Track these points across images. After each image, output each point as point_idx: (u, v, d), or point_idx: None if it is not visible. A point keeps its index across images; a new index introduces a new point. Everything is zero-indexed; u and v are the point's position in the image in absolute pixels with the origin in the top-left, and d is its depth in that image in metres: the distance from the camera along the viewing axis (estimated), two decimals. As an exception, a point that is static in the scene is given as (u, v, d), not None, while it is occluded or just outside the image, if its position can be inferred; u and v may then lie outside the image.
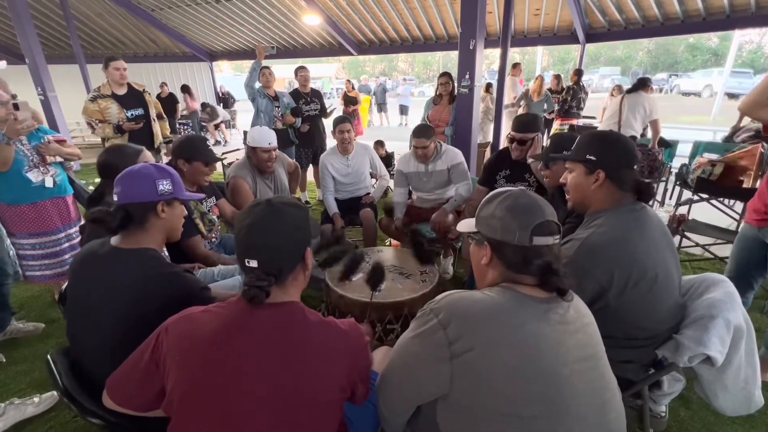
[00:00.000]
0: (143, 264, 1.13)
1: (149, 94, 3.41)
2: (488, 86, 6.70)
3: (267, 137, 2.47)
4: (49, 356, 1.14)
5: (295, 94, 4.36)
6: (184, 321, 0.88)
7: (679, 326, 1.24)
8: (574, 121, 6.39)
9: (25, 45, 4.85)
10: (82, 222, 2.48)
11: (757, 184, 1.90)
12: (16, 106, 2.03)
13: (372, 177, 3.36)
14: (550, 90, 6.69)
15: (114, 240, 1.17)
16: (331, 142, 3.39)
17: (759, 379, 1.23)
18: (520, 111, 6.34)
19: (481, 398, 0.79)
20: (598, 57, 33.21)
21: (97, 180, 1.75)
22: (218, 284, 1.72)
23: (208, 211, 2.19)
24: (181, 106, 8.95)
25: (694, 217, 3.20)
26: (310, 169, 4.69)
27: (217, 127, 9.74)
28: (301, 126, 4.29)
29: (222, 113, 9.70)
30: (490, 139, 6.39)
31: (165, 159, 3.22)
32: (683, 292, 1.34)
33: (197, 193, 2.03)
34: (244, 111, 10.64)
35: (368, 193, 3.19)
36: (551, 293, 0.86)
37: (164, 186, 1.19)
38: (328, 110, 4.77)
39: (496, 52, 6.64)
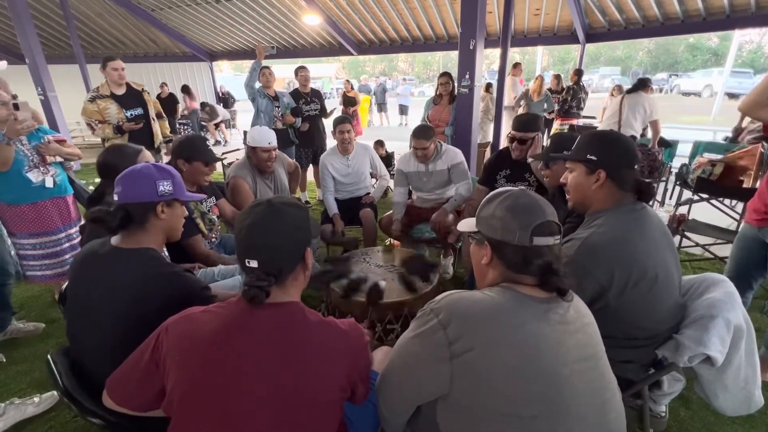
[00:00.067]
0: (143, 264, 1.13)
1: (148, 93, 3.40)
2: (488, 86, 6.70)
3: (267, 137, 2.47)
4: (49, 356, 1.14)
5: (295, 94, 4.36)
6: (185, 321, 0.88)
7: (679, 326, 1.24)
8: (574, 121, 6.39)
9: (25, 45, 4.85)
10: (83, 222, 2.48)
11: (757, 184, 1.90)
12: (16, 106, 2.03)
13: (372, 177, 3.37)
14: (550, 90, 6.69)
15: (114, 240, 1.17)
16: (331, 142, 3.39)
17: (759, 379, 1.23)
18: (521, 111, 6.34)
19: (481, 398, 0.79)
20: (598, 57, 33.21)
21: (97, 180, 1.75)
22: (218, 284, 1.72)
23: (208, 211, 2.19)
24: (181, 106, 8.96)
25: (694, 217, 3.21)
26: (310, 169, 4.69)
27: (217, 126, 9.74)
28: (301, 126, 4.29)
29: (222, 112, 9.70)
30: (490, 138, 6.39)
31: (165, 159, 3.22)
32: (683, 292, 1.34)
33: (197, 193, 2.03)
34: (244, 111, 10.65)
35: (368, 193, 3.19)
36: (551, 293, 0.86)
37: (165, 187, 1.19)
38: (329, 111, 4.77)
39: (496, 52, 6.64)
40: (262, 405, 0.80)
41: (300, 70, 4.40)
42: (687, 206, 3.32)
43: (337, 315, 1.92)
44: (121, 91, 3.20)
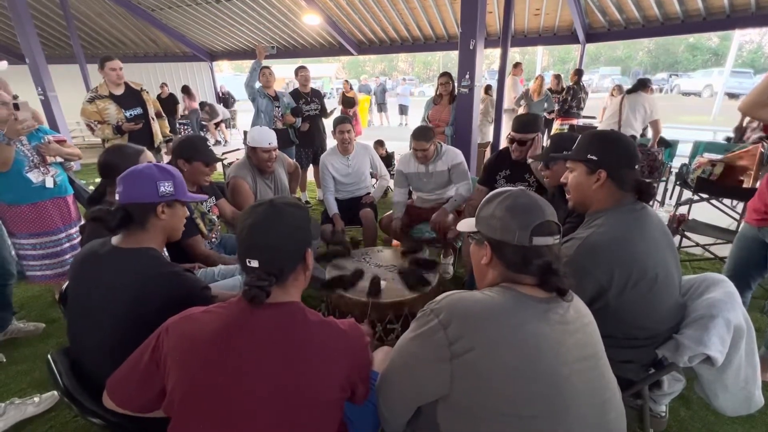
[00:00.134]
0: (143, 263, 1.13)
1: (147, 92, 3.39)
2: (487, 88, 6.68)
3: (267, 137, 2.47)
4: (49, 356, 1.14)
5: (295, 94, 4.36)
6: (185, 321, 0.88)
7: (679, 326, 1.24)
8: (574, 121, 6.39)
9: (25, 45, 4.85)
10: (83, 222, 2.48)
11: (757, 184, 1.90)
12: (16, 106, 2.03)
13: (372, 177, 3.37)
14: (550, 90, 6.69)
15: (115, 239, 1.17)
16: (331, 142, 3.39)
17: (759, 379, 1.23)
18: (521, 111, 6.34)
19: (482, 398, 0.80)
20: (598, 57, 33.21)
21: (98, 180, 1.75)
22: (219, 284, 1.72)
23: (208, 211, 2.19)
24: (181, 106, 8.96)
25: (694, 217, 3.21)
26: (310, 169, 4.69)
27: (217, 126, 9.74)
28: (301, 126, 4.29)
29: (221, 111, 9.70)
30: (490, 138, 6.40)
31: (166, 158, 3.22)
32: (683, 291, 1.34)
33: (198, 193, 2.03)
34: (244, 111, 10.65)
35: (368, 193, 3.19)
36: (551, 293, 0.86)
37: (165, 187, 1.19)
38: (329, 111, 4.77)
39: (496, 52, 6.64)
40: (262, 405, 0.80)
41: (300, 70, 4.40)
42: (687, 206, 3.32)
43: (337, 315, 1.92)
44: (119, 91, 3.19)
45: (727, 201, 3.33)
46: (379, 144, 5.32)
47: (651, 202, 1.33)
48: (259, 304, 0.83)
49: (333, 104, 8.99)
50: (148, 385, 0.88)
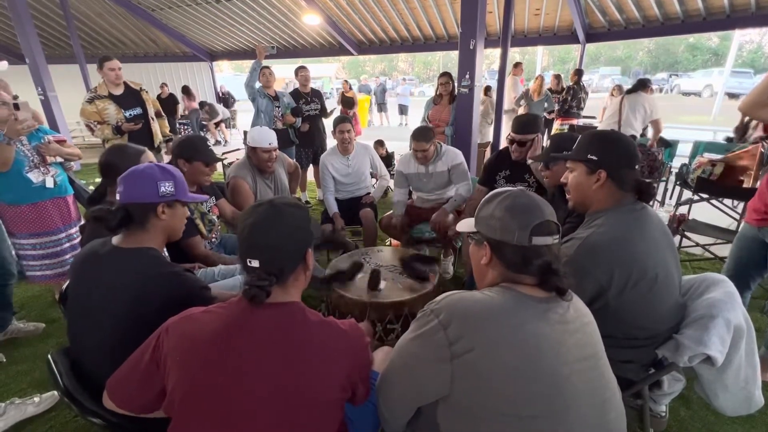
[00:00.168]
0: (144, 263, 1.13)
1: (146, 92, 3.39)
2: (487, 89, 6.66)
3: (267, 137, 2.47)
4: (49, 356, 1.14)
5: (296, 94, 4.36)
6: (185, 321, 0.88)
7: (679, 326, 1.24)
8: (574, 121, 6.39)
9: (25, 45, 4.85)
10: (83, 222, 2.48)
11: (757, 184, 1.90)
12: (16, 106, 2.04)
13: (372, 177, 3.37)
14: (550, 90, 6.69)
15: (115, 239, 1.17)
16: (331, 142, 3.39)
17: (759, 379, 1.23)
18: (521, 111, 6.34)
19: (482, 398, 0.80)
20: (598, 57, 33.20)
21: (98, 180, 1.75)
22: (219, 284, 1.72)
23: (208, 211, 2.19)
24: (181, 106, 8.96)
25: (694, 217, 3.21)
26: (311, 169, 4.69)
27: (217, 126, 9.75)
28: (301, 126, 4.29)
29: (221, 111, 9.70)
30: (490, 138, 6.40)
31: (166, 158, 3.22)
32: (683, 291, 1.34)
33: (198, 193, 2.03)
34: (244, 111, 10.65)
35: (368, 193, 3.20)
36: (551, 293, 0.86)
37: (166, 188, 1.19)
38: (329, 111, 4.77)
39: (496, 52, 6.64)
40: (262, 405, 0.80)
41: (300, 70, 4.40)
42: (687, 206, 3.32)
43: (337, 315, 1.93)
44: (119, 91, 3.19)
45: (727, 201, 3.33)
46: (379, 144, 5.32)
47: (651, 202, 1.33)
48: (259, 303, 0.83)
49: (333, 104, 9.01)
50: (149, 386, 0.88)
